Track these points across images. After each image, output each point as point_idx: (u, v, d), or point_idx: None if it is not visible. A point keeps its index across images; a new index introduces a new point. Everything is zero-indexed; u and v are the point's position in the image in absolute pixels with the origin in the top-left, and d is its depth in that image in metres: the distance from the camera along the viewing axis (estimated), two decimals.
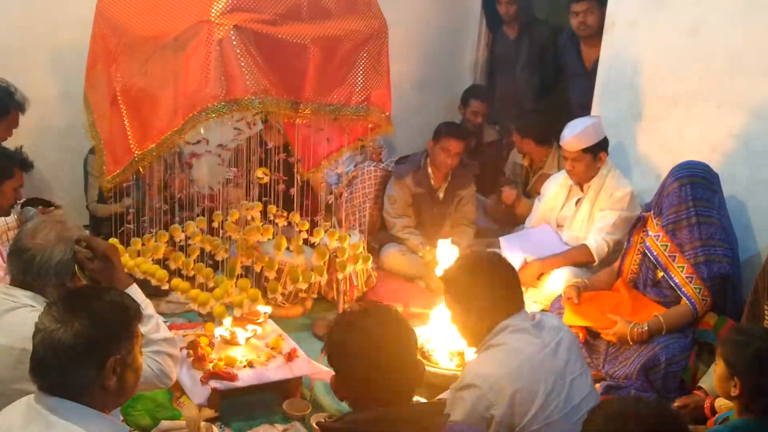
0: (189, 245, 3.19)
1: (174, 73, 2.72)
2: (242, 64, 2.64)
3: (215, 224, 3.27)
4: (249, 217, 3.29)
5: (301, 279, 3.07)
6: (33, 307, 2.07)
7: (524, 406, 2.09)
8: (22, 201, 3.08)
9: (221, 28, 2.61)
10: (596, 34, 4.29)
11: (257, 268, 3.19)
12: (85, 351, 1.63)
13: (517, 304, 2.29)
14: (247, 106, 2.70)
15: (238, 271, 3.09)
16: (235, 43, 2.62)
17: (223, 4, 2.62)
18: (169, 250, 3.13)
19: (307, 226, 3.32)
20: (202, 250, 3.22)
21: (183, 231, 3.18)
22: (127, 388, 1.75)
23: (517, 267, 3.65)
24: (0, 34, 4.13)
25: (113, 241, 3.02)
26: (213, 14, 2.60)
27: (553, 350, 2.21)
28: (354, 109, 2.98)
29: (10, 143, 3.78)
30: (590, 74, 4.34)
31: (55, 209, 3.46)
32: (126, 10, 2.89)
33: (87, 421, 1.62)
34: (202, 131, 2.78)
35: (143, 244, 3.11)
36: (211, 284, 3.01)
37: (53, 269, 2.11)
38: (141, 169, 2.88)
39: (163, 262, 3.08)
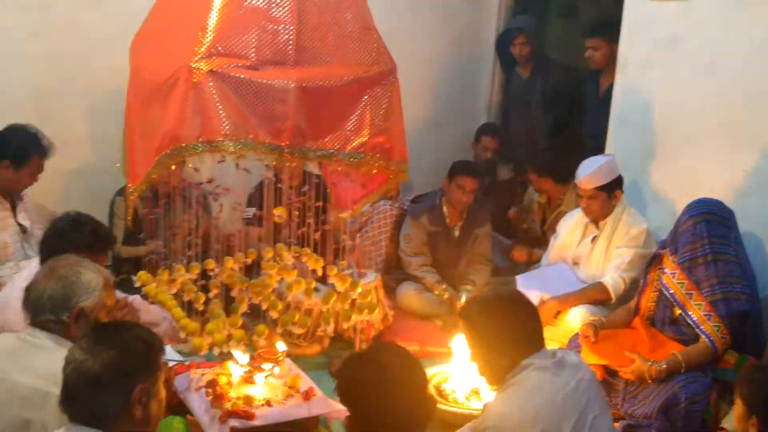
0: (211, 279, 3.26)
1: (160, 115, 2.84)
2: (219, 107, 2.73)
3: (235, 265, 3.33)
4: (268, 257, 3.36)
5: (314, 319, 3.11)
6: (57, 348, 2.13)
7: None
8: None
9: (198, 72, 2.72)
10: (608, 67, 4.37)
11: (263, 306, 3.23)
12: (112, 380, 1.73)
13: (539, 342, 2.28)
14: (222, 147, 2.78)
15: (243, 309, 3.15)
16: (211, 86, 2.72)
17: (204, 49, 2.74)
18: (187, 282, 3.20)
19: (321, 263, 3.37)
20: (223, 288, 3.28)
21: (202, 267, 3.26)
22: (152, 418, 1.83)
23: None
24: (34, 78, 4.26)
25: (142, 273, 3.15)
26: (193, 59, 2.72)
27: (573, 389, 2.19)
28: (348, 155, 2.98)
29: (39, 185, 3.89)
30: (602, 104, 4.41)
31: None
32: (140, 55, 3.10)
33: None
34: (191, 165, 2.92)
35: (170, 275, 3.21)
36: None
37: (46, 306, 2.15)
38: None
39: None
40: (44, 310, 2.16)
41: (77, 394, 1.73)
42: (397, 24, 5.01)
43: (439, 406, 3.01)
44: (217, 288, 3.26)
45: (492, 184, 5.15)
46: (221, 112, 2.74)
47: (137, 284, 3.20)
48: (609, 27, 4.27)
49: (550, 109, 5.03)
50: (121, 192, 4.13)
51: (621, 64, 4.12)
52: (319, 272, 3.42)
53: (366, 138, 2.98)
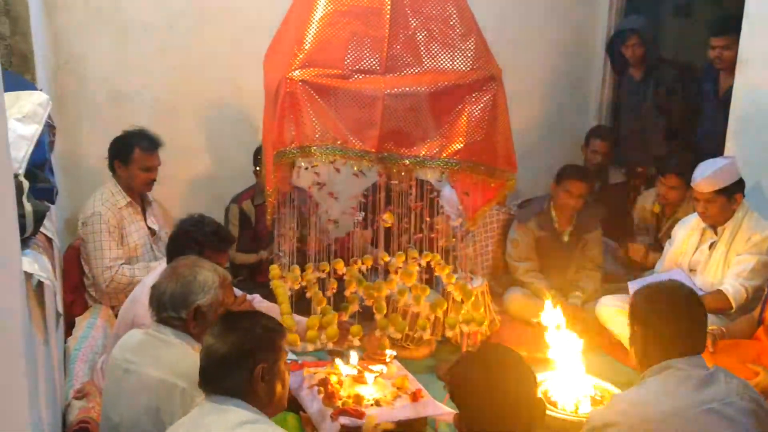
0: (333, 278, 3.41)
1: (271, 124, 3.01)
2: (311, 114, 2.87)
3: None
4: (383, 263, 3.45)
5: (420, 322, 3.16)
6: (180, 343, 2.29)
7: None
8: None
9: (292, 82, 2.87)
10: (734, 66, 4.18)
11: (369, 302, 3.33)
12: (236, 359, 1.93)
13: (695, 347, 2.16)
14: (312, 153, 2.90)
15: (354, 309, 3.28)
16: (303, 95, 2.87)
17: (299, 60, 2.89)
18: (311, 280, 3.37)
19: (447, 270, 3.41)
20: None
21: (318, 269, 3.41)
22: (276, 396, 2.02)
23: None
24: (158, 92, 4.52)
25: (274, 267, 3.37)
26: (290, 70, 2.88)
27: (713, 410, 2.04)
28: (443, 163, 2.97)
29: (164, 192, 4.15)
30: (721, 103, 4.21)
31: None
32: (266, 67, 3.26)
33: (248, 410, 1.91)
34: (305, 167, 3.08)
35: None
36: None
37: (167, 304, 2.31)
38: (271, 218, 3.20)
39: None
40: (166, 307, 2.31)
41: (209, 372, 1.95)
42: (506, 26, 5.01)
43: (548, 412, 2.98)
44: (334, 288, 3.38)
45: (603, 188, 5.02)
46: (312, 119, 2.87)
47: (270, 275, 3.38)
48: (737, 24, 4.07)
49: (664, 111, 4.86)
50: (236, 199, 4.33)
51: (742, 61, 3.93)
52: (444, 279, 3.48)
53: (461, 145, 2.97)
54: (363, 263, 3.51)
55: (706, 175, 3.52)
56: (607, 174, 5.04)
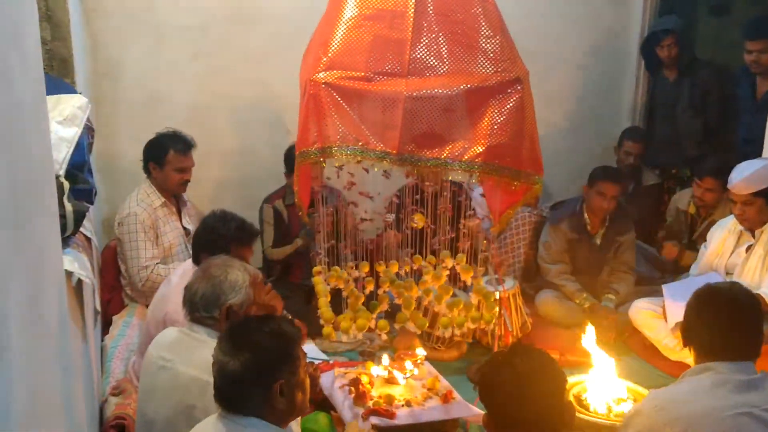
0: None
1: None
2: (333, 115, 2.91)
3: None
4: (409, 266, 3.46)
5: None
6: (214, 342, 2.31)
7: None
8: None
9: (315, 84, 2.91)
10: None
11: (398, 301, 3.35)
12: (252, 380, 1.86)
13: (738, 353, 2.10)
14: (333, 154, 2.95)
15: (383, 307, 3.32)
16: (325, 96, 2.91)
17: (324, 62, 2.93)
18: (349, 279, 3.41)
19: (470, 273, 3.40)
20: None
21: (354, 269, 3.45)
22: (297, 405, 1.95)
23: (680, 316, 3.51)
24: (192, 95, 4.58)
25: (317, 267, 3.43)
26: (315, 72, 2.93)
27: (751, 415, 1.98)
28: (465, 165, 2.96)
29: (197, 193, 4.21)
30: (759, 107, 4.13)
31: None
32: (300, 69, 3.27)
33: (265, 428, 1.86)
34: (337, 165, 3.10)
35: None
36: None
37: (200, 304, 2.33)
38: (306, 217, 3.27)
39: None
40: (198, 308, 2.34)
41: (224, 391, 1.89)
42: (538, 28, 4.97)
43: (580, 415, 2.96)
44: (371, 286, 3.41)
45: (636, 190, 4.96)
46: (335, 121, 2.92)
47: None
48: None
49: (699, 113, 4.77)
50: (268, 199, 4.37)
51: None
52: (468, 282, 3.48)
53: (483, 148, 2.95)
54: (402, 265, 3.51)
55: (744, 177, 3.46)
56: (640, 175, 4.99)
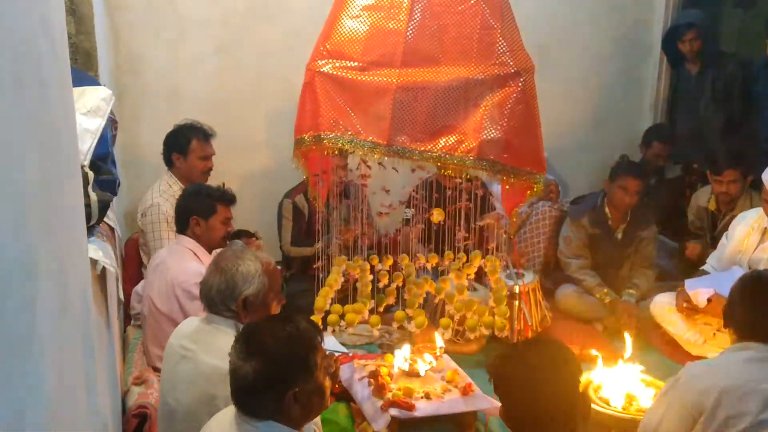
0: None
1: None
2: (327, 104, 2.95)
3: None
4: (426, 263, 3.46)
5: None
6: (234, 332, 2.33)
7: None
8: (231, 232, 3.46)
9: (310, 73, 2.96)
10: None
11: (406, 296, 3.36)
12: (264, 388, 1.81)
13: None
14: (324, 142, 2.97)
15: (391, 301, 3.36)
16: (319, 86, 2.95)
17: (320, 52, 2.97)
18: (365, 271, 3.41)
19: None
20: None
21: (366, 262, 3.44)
22: (314, 409, 1.91)
23: (703, 302, 3.52)
24: (215, 90, 4.60)
25: (338, 257, 3.41)
26: (311, 61, 2.98)
27: None
28: (458, 159, 2.93)
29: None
30: None
31: (256, 240, 3.73)
32: None
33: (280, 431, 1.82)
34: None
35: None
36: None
37: (216, 299, 2.34)
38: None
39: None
40: (215, 302, 2.35)
41: (239, 395, 1.86)
42: (559, 21, 4.94)
43: (598, 408, 2.95)
44: (386, 279, 3.41)
45: (659, 183, 4.92)
46: (327, 109, 2.94)
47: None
48: None
49: (723, 107, 4.72)
50: (288, 194, 4.38)
51: None
52: (471, 275, 3.47)
53: (476, 143, 2.89)
54: (428, 261, 3.49)
55: None
56: (662, 169, 4.95)
